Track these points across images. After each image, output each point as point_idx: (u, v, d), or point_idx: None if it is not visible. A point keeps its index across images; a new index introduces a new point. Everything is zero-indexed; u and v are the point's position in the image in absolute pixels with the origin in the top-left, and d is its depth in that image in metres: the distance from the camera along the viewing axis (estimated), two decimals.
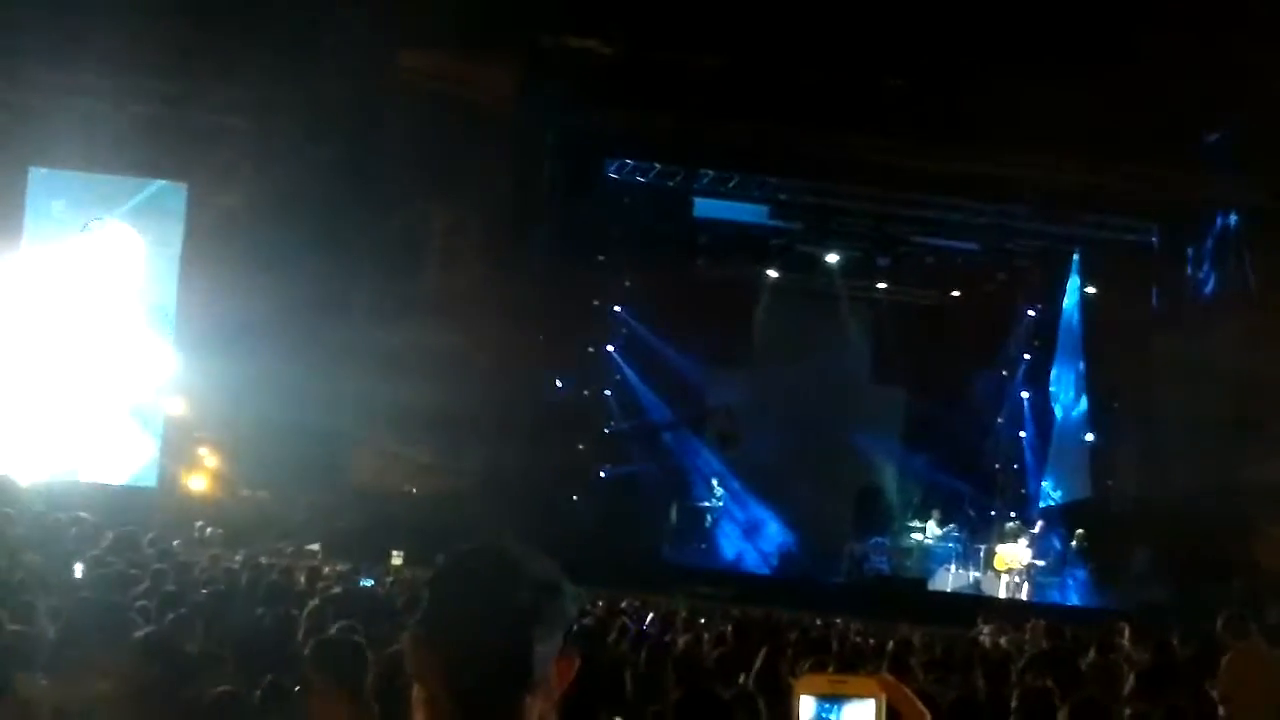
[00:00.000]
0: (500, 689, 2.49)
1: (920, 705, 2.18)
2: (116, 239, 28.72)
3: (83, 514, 18.52)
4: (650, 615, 17.11)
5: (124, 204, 28.79)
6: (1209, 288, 30.12)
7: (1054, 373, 32.76)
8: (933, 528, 30.75)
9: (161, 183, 28.92)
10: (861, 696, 2.16)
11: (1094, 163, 28.16)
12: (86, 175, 28.87)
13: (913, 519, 31.18)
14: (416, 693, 2.54)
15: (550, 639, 2.53)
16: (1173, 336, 29.45)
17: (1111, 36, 25.55)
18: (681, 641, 13.02)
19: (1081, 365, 31.86)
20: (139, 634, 8.55)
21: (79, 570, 13.03)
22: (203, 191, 28.88)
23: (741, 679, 10.23)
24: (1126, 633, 16.22)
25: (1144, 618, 20.30)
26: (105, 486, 27.27)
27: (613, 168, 31.82)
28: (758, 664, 10.76)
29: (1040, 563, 29.82)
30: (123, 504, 24.07)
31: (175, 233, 28.91)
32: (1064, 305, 32.31)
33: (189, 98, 28.31)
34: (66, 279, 28.55)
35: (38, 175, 28.83)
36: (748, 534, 32.25)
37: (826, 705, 2.15)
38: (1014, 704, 8.86)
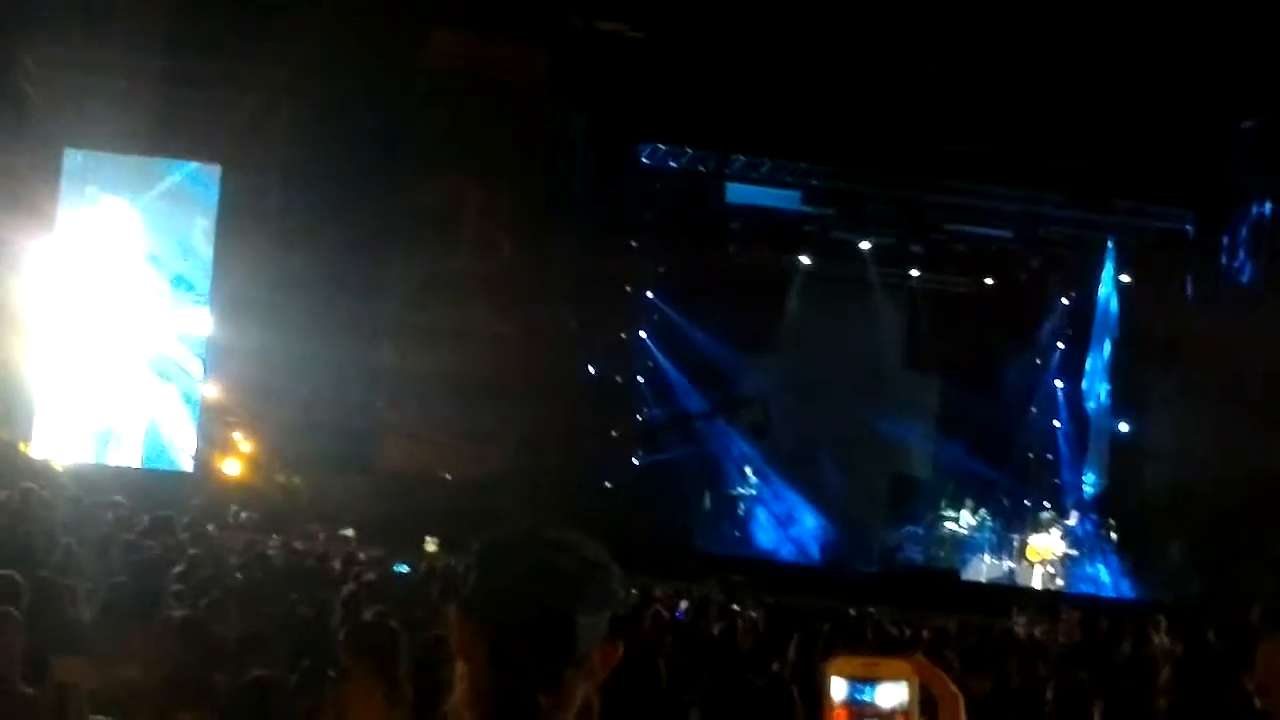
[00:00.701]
0: (543, 661, 2.50)
1: (954, 688, 2.16)
2: (138, 221, 28.77)
3: (118, 498, 18.60)
4: (684, 603, 17.11)
5: (157, 185, 28.87)
6: (1244, 276, 29.96)
7: (1088, 361, 32.61)
8: (966, 517, 30.66)
9: (195, 165, 28.99)
10: (895, 679, 2.14)
11: (1128, 150, 28.02)
12: (121, 157, 28.95)
13: (946, 508, 31.05)
14: (460, 668, 2.54)
15: (595, 614, 2.53)
16: (1208, 325, 29.32)
17: (1148, 23, 25.41)
18: (715, 629, 13.02)
19: (1116, 353, 31.71)
20: (174, 618, 8.59)
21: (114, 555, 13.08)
22: (236, 173, 28.94)
23: (775, 667, 10.23)
24: (1163, 625, 16.15)
25: (1179, 609, 20.23)
26: (140, 470, 27.41)
27: (645, 152, 31.78)
28: (791, 652, 10.76)
29: (1074, 553, 29.75)
30: (157, 488, 24.16)
31: (208, 216, 28.97)
32: (1099, 293, 32.14)
33: (221, 78, 28.34)
34: (99, 262, 28.65)
35: (73, 158, 28.92)
36: (781, 522, 32.17)
37: (859, 687, 2.14)
38: (1049, 695, 8.82)
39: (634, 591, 16.21)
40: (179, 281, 28.92)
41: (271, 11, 27.34)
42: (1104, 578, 29.95)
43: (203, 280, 28.92)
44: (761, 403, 33.19)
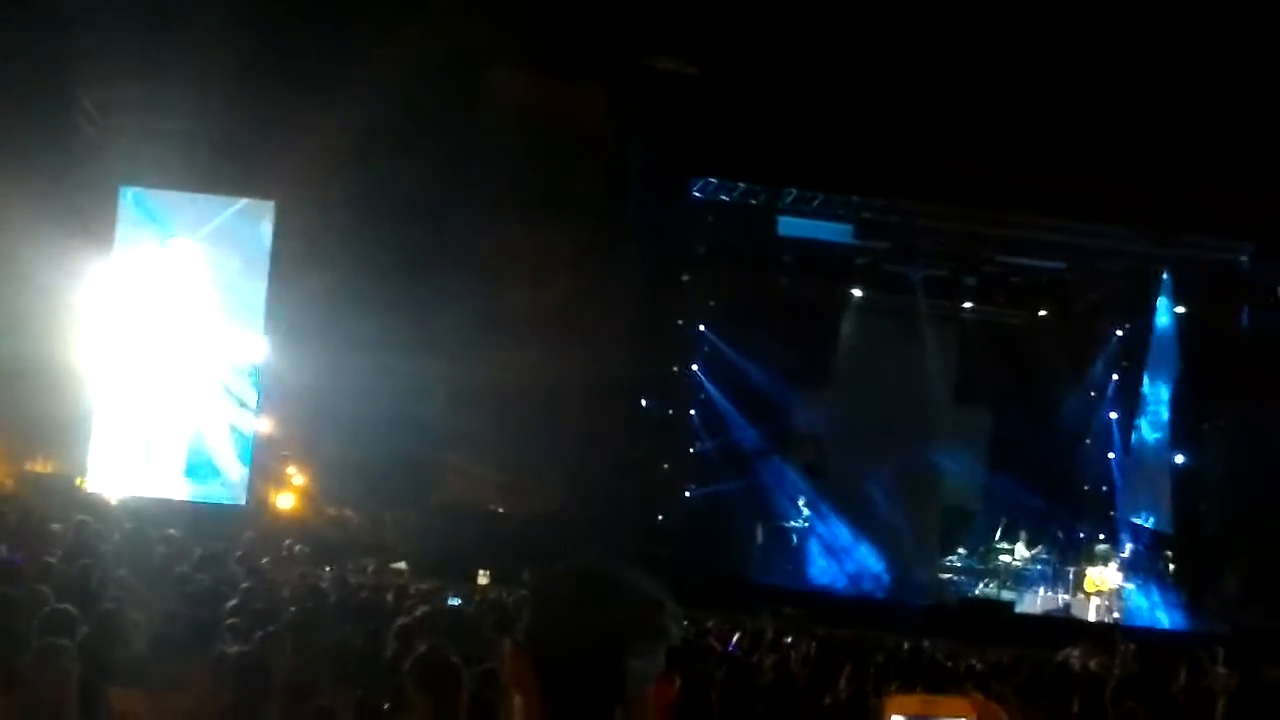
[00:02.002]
0: (593, 700, 2.48)
1: None
2: (193, 258, 28.97)
3: (171, 531, 18.68)
4: (736, 636, 17.06)
5: (212, 221, 29.04)
6: None
7: (1144, 393, 32.36)
8: (1021, 550, 30.48)
9: (249, 201, 29.16)
10: (953, 717, 2.12)
11: (1183, 182, 27.84)
12: (176, 194, 29.15)
13: (1000, 541, 30.87)
14: (516, 701, 2.54)
15: (647, 653, 2.51)
16: (1264, 356, 29.13)
17: (1202, 56, 25.31)
18: (768, 662, 12.96)
19: (1172, 385, 31.48)
20: (230, 651, 8.63)
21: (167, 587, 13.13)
22: (291, 210, 29.11)
23: (828, 700, 10.19)
24: (1220, 657, 15.96)
25: (1236, 641, 20.03)
26: (193, 504, 27.53)
27: (697, 186, 31.81)
28: (842, 684, 10.72)
29: (1130, 585, 29.56)
30: (211, 521, 24.27)
31: (263, 252, 29.14)
32: (1154, 325, 31.89)
33: (278, 117, 28.54)
34: (153, 298, 28.85)
35: (128, 195, 29.15)
36: (834, 555, 32.03)
37: None
38: None
39: (685, 624, 16.18)
40: (234, 318, 29.08)
41: (329, 50, 27.54)
42: (1160, 610, 29.73)
43: (258, 316, 29.06)
44: (816, 442, 33.04)
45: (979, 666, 15.38)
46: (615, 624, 2.50)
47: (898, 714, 2.13)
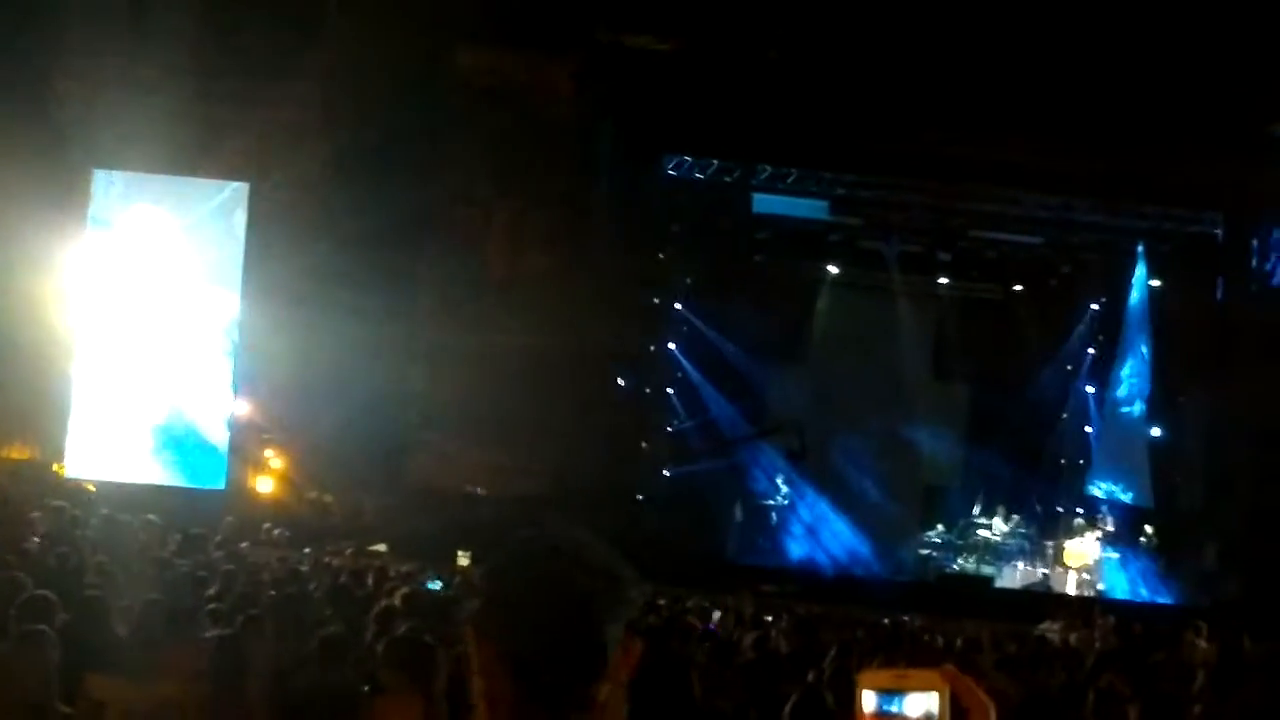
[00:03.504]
0: (561, 676, 2.47)
1: (984, 696, 2.15)
2: (167, 240, 28.83)
3: (150, 516, 18.67)
4: (716, 614, 17.10)
5: (187, 203, 28.88)
6: (1275, 278, 29.90)
7: (1120, 366, 32.43)
8: (999, 524, 30.56)
9: (223, 182, 29.00)
10: (924, 689, 2.14)
11: (1157, 154, 27.92)
12: (148, 176, 28.99)
13: (979, 515, 30.95)
14: (479, 686, 2.51)
15: (611, 624, 2.51)
16: (1239, 328, 29.25)
17: (1176, 27, 25.36)
18: (748, 640, 13.00)
19: (1148, 358, 31.55)
20: (210, 635, 8.62)
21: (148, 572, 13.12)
22: (265, 189, 28.98)
23: (810, 677, 10.21)
24: (1205, 631, 16.03)
25: (1215, 614, 20.13)
26: (172, 488, 27.45)
27: (671, 164, 31.78)
28: (825, 661, 10.73)
29: (1109, 558, 29.66)
30: (190, 506, 24.22)
31: (237, 232, 29.00)
32: (1130, 299, 31.95)
33: (248, 98, 28.42)
34: (128, 281, 28.72)
35: (101, 177, 28.99)
36: (813, 532, 32.06)
37: (888, 698, 2.14)
38: (1086, 702, 8.77)
39: (661, 603, 16.22)
40: (211, 301, 28.95)
41: (299, 30, 27.46)
42: (1140, 582, 29.83)
43: (234, 299, 28.92)
44: (797, 427, 32.98)
45: (959, 641, 15.44)
46: (585, 597, 2.48)
47: (869, 688, 2.15)
